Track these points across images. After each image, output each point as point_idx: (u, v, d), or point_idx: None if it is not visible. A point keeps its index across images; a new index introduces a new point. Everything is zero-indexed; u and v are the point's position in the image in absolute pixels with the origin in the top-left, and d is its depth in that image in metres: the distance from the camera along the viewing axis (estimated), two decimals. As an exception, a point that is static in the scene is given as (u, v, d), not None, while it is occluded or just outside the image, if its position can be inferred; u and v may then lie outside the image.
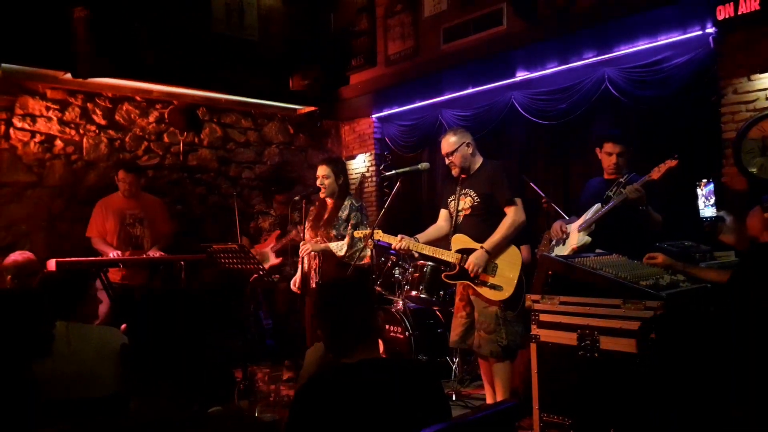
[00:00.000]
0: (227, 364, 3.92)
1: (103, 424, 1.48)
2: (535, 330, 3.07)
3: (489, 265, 3.59)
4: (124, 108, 6.08)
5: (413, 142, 6.79)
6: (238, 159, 6.87)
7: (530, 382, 3.11)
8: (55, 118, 5.66)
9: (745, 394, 2.65)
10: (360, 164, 7.35)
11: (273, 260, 5.65)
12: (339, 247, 4.05)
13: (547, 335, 3.02)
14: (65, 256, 4.49)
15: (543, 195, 5.03)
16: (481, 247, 3.57)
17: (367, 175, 7.30)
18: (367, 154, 7.29)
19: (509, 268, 3.57)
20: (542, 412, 3.01)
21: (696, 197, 3.21)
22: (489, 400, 3.81)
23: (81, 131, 5.81)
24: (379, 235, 3.82)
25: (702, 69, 4.46)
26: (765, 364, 2.58)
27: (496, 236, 3.56)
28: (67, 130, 5.73)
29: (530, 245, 4.76)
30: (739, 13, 3.97)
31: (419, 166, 3.88)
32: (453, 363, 4.88)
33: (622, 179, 3.71)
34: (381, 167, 7.12)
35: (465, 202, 3.74)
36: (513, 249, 3.61)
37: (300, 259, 4.24)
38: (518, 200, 3.63)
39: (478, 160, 3.79)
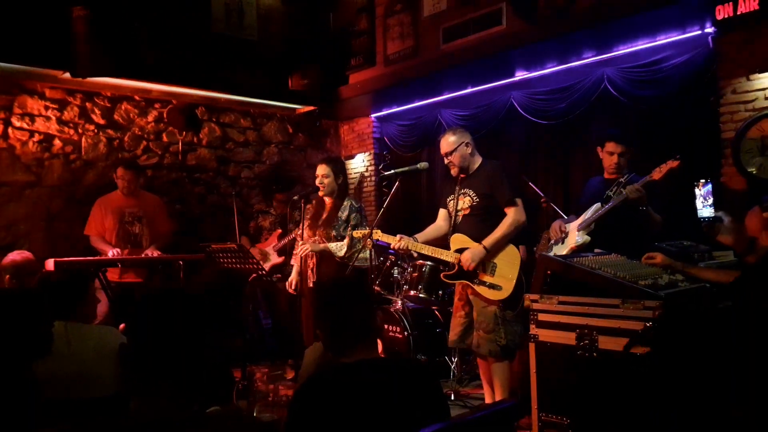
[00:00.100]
0: (226, 363, 3.92)
1: (103, 424, 1.48)
2: (533, 330, 3.07)
3: (488, 265, 3.59)
4: (123, 107, 6.08)
5: (412, 142, 6.79)
6: (237, 158, 6.87)
7: (527, 381, 3.11)
8: (53, 118, 5.66)
9: (745, 394, 2.65)
10: (359, 164, 7.35)
11: (275, 259, 5.65)
12: (338, 248, 4.04)
13: (545, 335, 3.02)
14: (64, 256, 4.49)
15: (542, 195, 5.04)
16: (481, 244, 3.57)
17: (366, 174, 7.30)
18: (366, 153, 7.29)
19: (508, 267, 3.57)
20: (541, 412, 3.01)
21: (694, 197, 3.21)
22: (488, 400, 3.81)
23: (80, 131, 5.80)
24: (378, 235, 3.82)
25: (701, 69, 4.46)
26: (766, 364, 2.58)
27: (496, 234, 3.56)
28: (66, 129, 5.73)
29: (527, 245, 4.76)
30: (738, 12, 3.97)
31: (418, 165, 3.88)
32: (452, 363, 4.88)
33: (622, 179, 3.71)
34: (380, 167, 7.12)
35: (464, 201, 3.74)
36: (512, 249, 3.61)
37: (297, 259, 4.23)
38: (519, 200, 3.64)
39: (477, 160, 3.79)
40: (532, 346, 3.08)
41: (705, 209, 3.17)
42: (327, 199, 4.26)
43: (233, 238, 5.68)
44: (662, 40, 4.65)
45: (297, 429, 1.70)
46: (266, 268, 5.51)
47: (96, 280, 4.54)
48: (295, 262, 4.32)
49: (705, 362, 2.88)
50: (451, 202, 3.83)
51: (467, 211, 3.72)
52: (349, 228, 4.08)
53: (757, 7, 3.89)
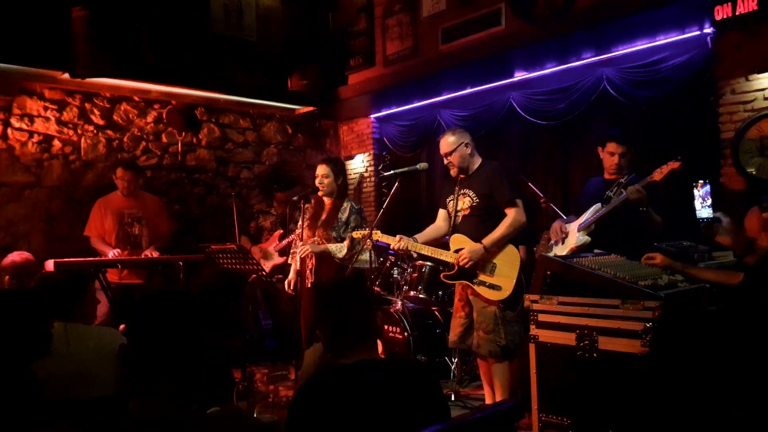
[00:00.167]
0: (226, 364, 3.92)
1: (102, 425, 1.48)
2: (533, 330, 3.08)
3: (488, 265, 3.59)
4: (123, 108, 6.07)
5: (412, 142, 6.79)
6: (236, 159, 6.87)
7: (527, 381, 3.12)
8: (53, 118, 5.66)
9: (745, 395, 2.65)
10: (358, 164, 7.35)
11: (276, 260, 5.65)
12: (338, 249, 4.04)
13: (545, 335, 3.02)
14: (63, 257, 4.49)
15: (541, 195, 5.04)
16: (481, 243, 3.57)
17: (366, 175, 7.30)
18: (366, 154, 7.29)
19: (508, 267, 3.57)
20: (541, 413, 3.01)
21: (693, 198, 3.21)
22: (488, 401, 3.81)
23: (79, 131, 5.80)
24: (378, 236, 3.82)
25: (700, 69, 4.46)
26: (765, 365, 2.59)
27: (496, 234, 3.56)
28: (65, 130, 5.73)
29: (527, 245, 4.76)
30: (737, 13, 3.97)
31: (418, 166, 3.88)
32: (452, 363, 4.88)
33: (622, 179, 3.70)
34: (379, 167, 7.12)
35: (464, 202, 3.74)
36: (512, 249, 3.61)
37: (295, 258, 4.23)
38: (519, 201, 3.63)
39: (477, 161, 3.79)
40: (532, 347, 3.08)
41: (704, 210, 3.17)
42: (326, 200, 4.26)
43: (233, 239, 5.68)
44: (661, 40, 4.65)
45: (297, 430, 1.70)
46: (268, 269, 5.52)
47: (96, 281, 4.54)
48: (293, 261, 4.31)
49: (705, 362, 2.88)
50: (451, 202, 3.83)
51: (467, 212, 3.72)
52: (349, 230, 4.08)
53: (755, 8, 3.90)
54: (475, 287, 3.62)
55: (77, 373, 2.37)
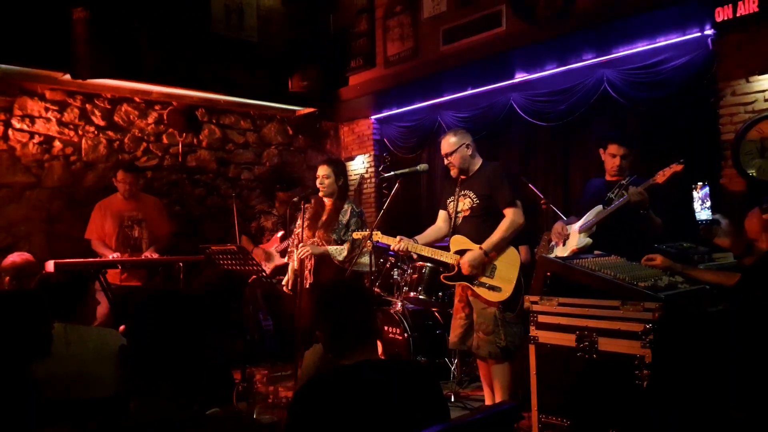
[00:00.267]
0: (226, 365, 3.92)
1: (102, 425, 1.49)
2: (533, 331, 3.07)
3: (487, 266, 3.59)
4: (123, 109, 6.08)
5: (412, 144, 6.80)
6: (237, 160, 6.87)
7: (526, 382, 3.12)
8: (53, 119, 5.66)
9: (745, 396, 2.65)
10: (359, 165, 7.36)
11: (278, 260, 5.64)
12: (338, 252, 4.03)
13: (545, 336, 3.02)
14: (64, 258, 4.49)
15: (542, 196, 5.04)
16: (480, 248, 3.57)
17: (366, 176, 7.30)
18: (366, 155, 7.30)
19: (508, 269, 3.57)
20: (541, 414, 3.01)
21: (692, 200, 3.21)
22: (488, 402, 3.81)
23: (80, 132, 5.81)
24: (378, 237, 3.82)
25: (700, 71, 4.47)
26: (764, 365, 2.58)
27: (494, 237, 3.56)
28: (66, 131, 5.73)
29: (529, 246, 4.77)
30: (738, 14, 3.97)
31: (418, 167, 3.88)
32: (452, 364, 4.88)
33: (624, 181, 3.70)
34: (380, 168, 7.12)
35: (464, 203, 3.74)
36: (512, 250, 3.61)
37: (292, 257, 4.22)
38: (518, 202, 3.63)
39: (478, 162, 3.79)
40: (532, 348, 3.07)
41: (703, 212, 3.17)
42: (327, 201, 4.25)
43: (233, 240, 5.68)
44: (662, 41, 4.66)
45: (297, 431, 1.70)
46: (269, 270, 5.51)
47: (96, 282, 4.55)
48: (290, 261, 4.31)
49: (705, 364, 2.88)
50: (451, 203, 3.83)
51: (467, 213, 3.72)
52: (350, 233, 4.08)
53: (756, 9, 3.90)
54: (475, 288, 3.62)
55: (77, 373, 2.38)
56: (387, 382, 1.78)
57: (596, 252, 3.51)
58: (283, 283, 4.39)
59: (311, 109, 6.96)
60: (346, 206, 4.17)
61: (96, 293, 3.72)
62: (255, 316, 5.95)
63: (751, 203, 3.04)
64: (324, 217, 4.21)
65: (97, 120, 5.91)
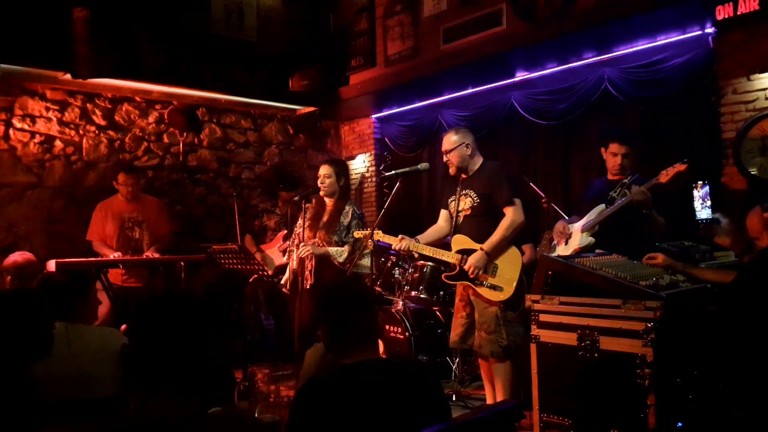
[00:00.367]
0: (227, 364, 3.92)
1: (103, 425, 1.49)
2: (535, 330, 3.07)
3: (489, 266, 3.59)
4: (124, 108, 6.08)
5: (413, 143, 6.80)
6: (237, 159, 6.87)
7: (528, 381, 3.12)
8: (54, 119, 5.67)
9: (745, 395, 2.65)
10: (360, 164, 7.35)
11: (281, 260, 5.64)
12: (339, 253, 4.03)
13: (547, 335, 3.02)
14: (65, 257, 4.49)
15: (543, 195, 5.04)
16: (481, 248, 3.57)
17: (367, 175, 7.30)
18: (367, 154, 7.30)
19: (509, 268, 3.57)
20: (542, 413, 3.01)
21: (692, 199, 3.21)
22: (489, 401, 3.81)
23: (81, 132, 5.81)
24: (379, 236, 3.82)
25: (701, 69, 4.46)
26: (763, 363, 2.58)
27: (495, 237, 3.56)
28: (67, 130, 5.73)
29: (533, 244, 4.76)
30: (739, 13, 3.97)
31: (419, 166, 3.88)
32: (453, 363, 4.88)
33: (626, 180, 3.70)
34: (381, 167, 7.12)
35: (465, 202, 3.74)
36: (513, 249, 3.61)
37: (291, 258, 4.22)
38: (517, 201, 3.63)
39: (478, 161, 3.78)
40: (533, 347, 3.08)
41: (703, 211, 3.17)
42: (328, 200, 4.25)
43: (234, 239, 5.68)
44: (662, 40, 4.65)
45: (298, 430, 1.70)
46: (272, 269, 5.51)
47: (97, 282, 4.55)
48: (289, 260, 4.30)
49: (706, 362, 2.88)
50: (453, 202, 3.83)
51: (468, 212, 3.72)
52: (351, 235, 4.08)
53: (757, 7, 3.89)
54: (477, 288, 3.62)
55: (79, 373, 2.38)
56: (388, 382, 1.78)
57: (597, 251, 3.50)
58: (282, 282, 4.39)
59: (312, 109, 6.96)
60: (347, 207, 4.15)
61: (97, 293, 3.73)
62: (256, 316, 5.95)
63: (752, 202, 3.04)
64: (325, 218, 4.20)
65: (98, 119, 5.91)
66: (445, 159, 3.80)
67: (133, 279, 5.01)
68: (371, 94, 6.45)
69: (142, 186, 5.49)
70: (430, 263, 4.69)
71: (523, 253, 3.69)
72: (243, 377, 4.24)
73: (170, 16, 5.64)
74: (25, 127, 5.51)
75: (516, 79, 5.66)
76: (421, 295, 4.72)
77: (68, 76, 5.26)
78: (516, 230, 3.60)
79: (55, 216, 5.59)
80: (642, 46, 4.76)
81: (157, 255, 5.02)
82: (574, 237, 3.77)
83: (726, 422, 2.78)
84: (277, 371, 5.34)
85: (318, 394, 1.73)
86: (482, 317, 3.61)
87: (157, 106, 6.26)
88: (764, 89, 4.17)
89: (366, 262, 4.02)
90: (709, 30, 4.37)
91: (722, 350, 2.84)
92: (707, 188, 3.19)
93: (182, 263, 5.02)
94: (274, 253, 5.71)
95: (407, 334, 4.79)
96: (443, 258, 3.74)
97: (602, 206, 3.69)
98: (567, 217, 4.27)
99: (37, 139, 5.57)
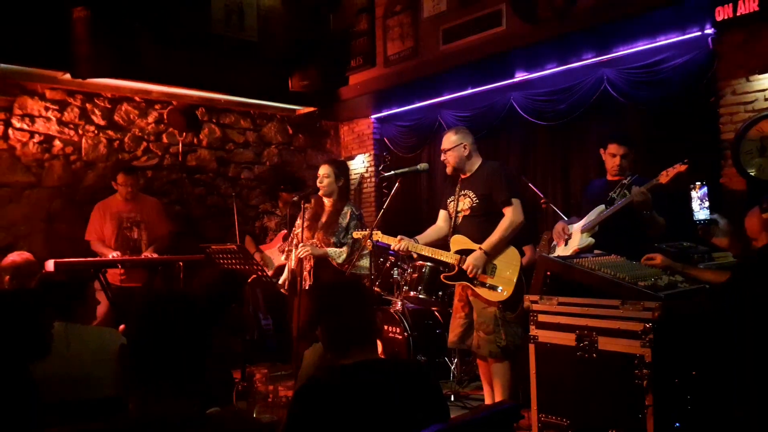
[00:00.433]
0: (226, 364, 3.92)
1: (102, 426, 1.49)
2: (533, 331, 3.08)
3: (488, 266, 3.59)
4: (123, 108, 6.08)
5: (412, 143, 6.80)
6: (237, 159, 6.87)
7: (526, 382, 3.12)
8: (54, 119, 5.66)
9: (746, 395, 2.65)
10: (359, 165, 7.35)
11: (281, 260, 5.64)
12: (337, 254, 4.03)
13: (545, 336, 3.02)
14: (64, 257, 4.49)
15: (542, 195, 5.04)
16: (480, 248, 3.58)
17: (366, 175, 7.30)
18: (366, 154, 7.30)
19: (508, 268, 3.57)
20: (540, 413, 3.01)
21: (690, 199, 3.21)
22: (488, 401, 3.81)
23: (80, 131, 5.81)
24: (378, 236, 3.82)
25: (701, 70, 4.46)
26: (762, 364, 2.58)
27: (494, 237, 3.57)
28: (66, 130, 5.73)
29: (533, 245, 4.77)
30: (738, 14, 3.97)
31: (418, 166, 3.88)
32: (451, 363, 4.88)
33: (625, 181, 3.70)
34: (380, 168, 7.12)
35: (464, 203, 3.74)
36: (512, 250, 3.61)
37: (290, 258, 4.22)
38: (516, 201, 3.63)
39: (476, 162, 3.78)
40: (531, 347, 3.08)
41: (702, 211, 3.18)
42: (326, 201, 4.25)
43: (233, 239, 5.67)
44: (662, 41, 4.65)
45: (296, 430, 1.70)
46: (273, 270, 5.51)
47: (96, 281, 4.55)
48: (288, 260, 4.30)
49: (705, 362, 2.88)
50: (452, 203, 3.83)
51: (467, 212, 3.72)
52: (349, 236, 4.08)
53: (756, 8, 3.89)
54: (475, 288, 3.62)
55: (77, 373, 2.38)
56: (386, 382, 1.78)
57: (596, 251, 3.50)
58: (280, 282, 4.39)
59: (311, 109, 6.96)
60: (345, 208, 4.15)
61: (96, 293, 3.73)
62: (255, 316, 5.95)
63: (751, 202, 3.04)
64: (324, 219, 4.20)
65: (97, 119, 5.91)
66: (442, 158, 3.81)
67: (131, 279, 5.01)
68: (371, 94, 6.45)
69: (141, 186, 5.48)
70: (428, 264, 4.69)
71: (523, 254, 3.69)
72: (241, 377, 4.24)
73: (170, 15, 5.64)
74: (25, 126, 5.51)
75: (516, 80, 5.66)
76: (420, 296, 4.72)
77: (68, 76, 5.26)
78: (515, 230, 3.60)
79: (54, 216, 5.59)
80: (641, 46, 4.77)
81: (155, 255, 5.03)
82: (573, 237, 3.77)
83: (725, 423, 2.78)
84: (276, 371, 5.34)
85: (316, 394, 1.73)
86: (481, 317, 3.61)
87: (157, 106, 6.26)
88: (763, 90, 4.18)
89: (365, 262, 4.02)
90: (709, 31, 4.37)
91: (721, 351, 2.84)
92: (705, 189, 3.19)
93: (181, 263, 5.02)
94: (274, 253, 5.70)
95: (406, 334, 4.79)
96: (442, 258, 3.75)
97: (602, 207, 3.69)
98: (566, 218, 4.27)
99: (37, 138, 5.56)
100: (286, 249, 4.41)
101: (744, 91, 4.26)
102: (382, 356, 4.77)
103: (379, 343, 4.92)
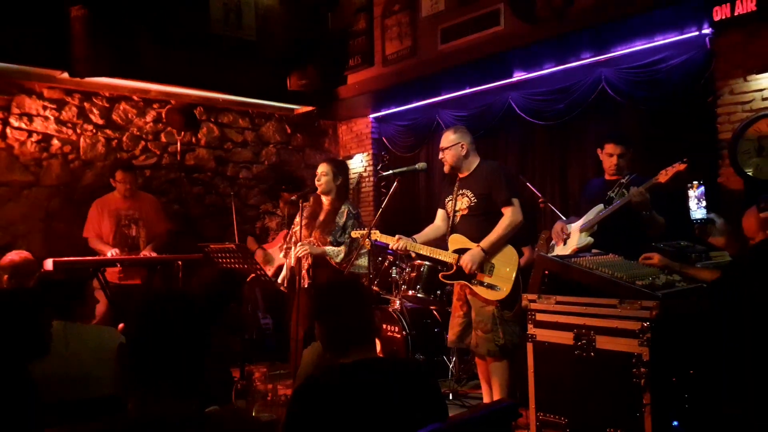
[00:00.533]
0: (225, 363, 3.92)
1: (101, 425, 1.49)
2: (531, 329, 3.08)
3: (486, 265, 3.60)
4: (122, 107, 6.07)
5: (411, 142, 6.80)
6: (235, 159, 6.87)
7: (524, 380, 3.12)
8: (52, 118, 5.66)
9: (737, 391, 2.66)
10: (357, 164, 7.36)
11: (281, 260, 5.64)
12: (336, 253, 4.03)
13: (543, 335, 3.03)
14: (62, 256, 4.49)
15: (540, 195, 5.05)
16: (478, 246, 3.58)
17: (365, 175, 7.30)
18: (365, 154, 7.30)
19: (506, 267, 3.57)
20: (538, 412, 3.02)
21: (687, 198, 3.22)
22: (486, 400, 3.82)
23: (78, 131, 5.80)
24: (377, 235, 3.82)
25: (698, 70, 4.47)
26: (758, 360, 2.59)
27: (493, 235, 3.57)
28: (64, 129, 5.73)
29: (532, 245, 4.77)
30: (736, 13, 3.97)
31: (416, 166, 3.88)
32: (450, 362, 4.89)
33: (623, 180, 3.70)
34: (378, 167, 7.12)
35: (462, 202, 3.75)
36: (510, 249, 3.62)
37: (289, 256, 4.22)
38: (516, 200, 3.64)
39: (474, 162, 3.79)
40: (529, 346, 3.09)
41: (698, 211, 3.19)
42: (324, 199, 4.24)
43: (231, 238, 5.67)
44: (660, 41, 4.66)
45: (295, 429, 1.70)
46: (273, 268, 5.51)
47: (94, 280, 4.55)
48: (287, 258, 4.31)
49: (701, 361, 2.89)
50: (450, 202, 3.84)
51: (465, 212, 3.73)
52: (346, 235, 4.08)
53: (754, 8, 3.90)
54: (474, 287, 3.62)
55: (76, 372, 2.38)
56: (385, 381, 1.78)
57: (594, 250, 3.51)
58: (279, 280, 4.40)
59: (309, 108, 6.96)
60: (343, 207, 4.14)
61: (95, 291, 3.73)
62: (254, 315, 5.95)
63: (749, 202, 3.05)
64: (321, 217, 4.20)
65: (96, 118, 5.91)
66: (440, 156, 3.82)
67: (130, 277, 5.01)
68: (369, 93, 6.45)
69: (140, 184, 5.48)
70: (427, 263, 4.70)
71: (521, 255, 3.70)
72: (240, 376, 4.24)
73: (168, 14, 5.63)
74: (23, 125, 5.50)
75: (514, 79, 5.66)
76: (419, 295, 4.73)
77: (66, 75, 5.25)
78: (514, 230, 3.60)
79: (53, 215, 5.59)
80: (639, 46, 4.77)
81: (154, 254, 5.02)
82: (572, 237, 3.78)
83: (721, 421, 2.79)
84: (275, 370, 5.34)
85: (315, 393, 1.73)
86: (479, 316, 3.62)
87: (155, 105, 6.26)
88: (761, 90, 4.18)
89: (363, 261, 4.02)
90: (707, 31, 4.38)
91: (717, 349, 2.85)
92: (702, 188, 3.20)
93: (179, 262, 5.02)
94: (275, 253, 5.71)
95: (404, 333, 4.80)
96: (440, 257, 3.75)
97: (601, 206, 3.70)
98: (564, 218, 4.28)
99: (35, 137, 5.56)
100: (285, 247, 4.42)
101: (741, 90, 4.27)
102: (381, 355, 4.77)
103: (377, 342, 4.92)
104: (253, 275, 4.19)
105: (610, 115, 5.11)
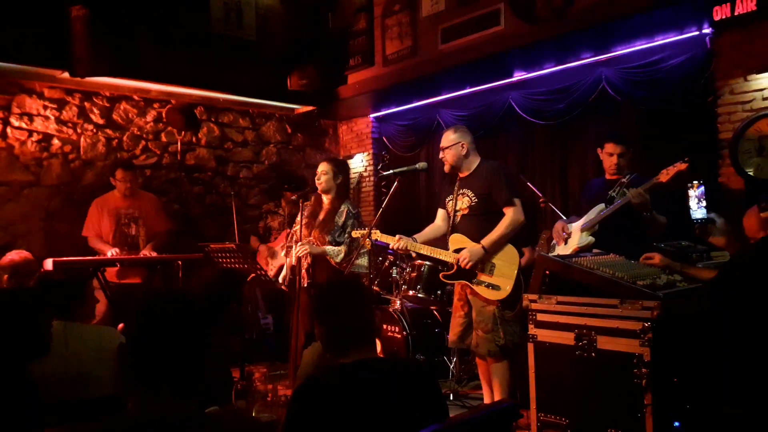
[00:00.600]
0: (225, 363, 3.92)
1: (101, 425, 1.49)
2: (532, 330, 3.08)
3: (487, 265, 3.60)
4: (122, 107, 6.07)
5: (411, 142, 6.80)
6: (235, 158, 6.87)
7: (525, 381, 3.12)
8: (52, 117, 5.66)
9: (738, 392, 2.65)
10: (358, 164, 7.35)
11: (283, 259, 5.64)
12: (336, 253, 4.02)
13: (544, 335, 3.03)
14: (62, 256, 4.49)
15: (540, 195, 5.05)
16: (480, 244, 3.57)
17: (365, 174, 7.30)
18: (365, 153, 7.30)
19: (507, 267, 3.57)
20: (539, 412, 3.01)
21: (687, 198, 3.21)
22: (487, 400, 3.81)
23: (78, 130, 5.80)
24: (377, 235, 3.82)
25: (698, 69, 4.47)
26: (759, 360, 2.59)
27: (494, 234, 3.56)
28: (65, 129, 5.73)
29: (532, 246, 4.77)
30: (736, 13, 3.97)
31: (417, 166, 3.88)
32: (450, 362, 4.89)
33: (624, 179, 3.70)
34: (379, 167, 7.12)
35: (462, 202, 3.74)
36: (511, 249, 3.61)
37: (290, 254, 4.22)
38: (517, 200, 3.63)
39: (474, 161, 3.78)
40: (530, 346, 3.08)
41: (699, 210, 3.18)
42: (325, 198, 4.24)
43: (232, 238, 5.68)
44: (660, 40, 4.66)
45: (295, 429, 1.70)
46: (275, 267, 5.50)
47: (94, 280, 4.55)
48: (287, 257, 4.30)
49: (703, 361, 2.88)
50: (450, 202, 3.84)
51: (466, 212, 3.73)
52: (346, 235, 4.07)
53: (754, 8, 3.89)
54: (474, 287, 3.62)
55: (76, 372, 2.38)
56: (385, 381, 1.78)
57: (595, 250, 3.51)
58: (279, 280, 4.40)
59: (310, 108, 6.96)
60: (342, 207, 4.13)
61: (95, 291, 3.73)
62: (254, 315, 5.96)
63: (749, 202, 3.04)
64: (321, 216, 4.20)
65: (96, 118, 5.90)
66: (441, 156, 3.82)
67: (130, 276, 5.01)
68: (369, 93, 6.45)
69: (140, 184, 5.48)
70: (427, 262, 4.70)
71: (522, 255, 3.69)
72: (240, 376, 4.24)
73: (169, 14, 5.64)
74: (23, 125, 5.50)
75: (514, 79, 5.66)
76: (419, 295, 4.73)
77: (66, 75, 5.25)
78: (516, 229, 3.60)
79: (53, 214, 5.59)
80: (640, 46, 4.77)
81: (154, 254, 5.02)
82: (573, 236, 3.77)
83: (722, 421, 2.79)
84: (275, 370, 5.34)
85: (315, 393, 1.73)
86: (479, 316, 3.62)
87: (155, 105, 6.26)
88: (761, 89, 4.18)
89: (363, 261, 4.02)
90: (707, 30, 4.38)
91: (718, 349, 2.84)
92: (702, 188, 3.20)
93: (180, 262, 5.02)
94: (278, 251, 5.72)
95: (405, 333, 4.80)
96: (441, 257, 3.75)
97: (601, 206, 3.69)
98: (564, 217, 4.28)
99: (35, 137, 5.56)
100: (286, 246, 4.42)
101: (742, 90, 4.26)
102: (381, 355, 4.77)
103: (378, 342, 4.93)
104: (253, 275, 4.19)
105: (610, 115, 5.11)
